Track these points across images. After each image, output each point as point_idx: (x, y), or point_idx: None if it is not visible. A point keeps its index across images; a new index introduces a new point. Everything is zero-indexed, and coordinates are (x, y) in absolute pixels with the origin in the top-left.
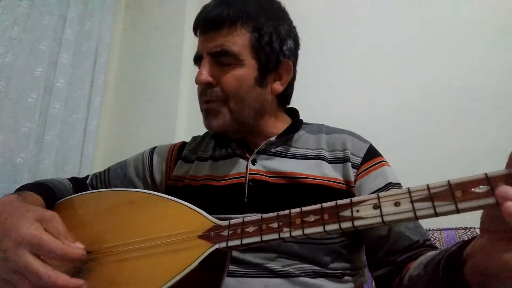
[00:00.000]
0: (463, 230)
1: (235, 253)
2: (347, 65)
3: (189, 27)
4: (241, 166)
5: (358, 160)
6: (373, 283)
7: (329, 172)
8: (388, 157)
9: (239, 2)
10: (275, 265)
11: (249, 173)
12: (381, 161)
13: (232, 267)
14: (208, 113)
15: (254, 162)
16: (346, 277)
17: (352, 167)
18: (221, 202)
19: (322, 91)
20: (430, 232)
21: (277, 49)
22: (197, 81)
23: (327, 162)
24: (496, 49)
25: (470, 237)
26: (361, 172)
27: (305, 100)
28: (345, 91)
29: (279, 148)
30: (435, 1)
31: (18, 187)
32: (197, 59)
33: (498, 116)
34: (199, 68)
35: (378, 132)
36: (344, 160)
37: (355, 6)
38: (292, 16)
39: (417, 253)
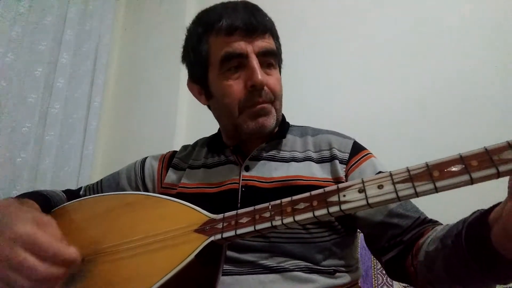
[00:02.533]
0: None
1: (230, 253)
2: (346, 65)
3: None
4: (235, 172)
5: (346, 156)
6: (373, 283)
7: (318, 172)
8: (386, 156)
9: (264, 13)
10: (269, 262)
11: (242, 179)
12: (368, 154)
13: (227, 266)
14: (260, 113)
15: (247, 168)
16: (339, 273)
17: (340, 163)
18: (215, 208)
19: (321, 91)
20: None
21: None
22: (261, 82)
23: (314, 162)
24: (496, 48)
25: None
26: (351, 167)
27: (304, 99)
28: (343, 91)
29: (270, 152)
30: (434, 0)
31: (17, 188)
32: (235, 57)
33: (497, 115)
34: (225, 67)
35: (377, 131)
36: (332, 158)
37: (354, 5)
38: (291, 15)
39: (422, 229)
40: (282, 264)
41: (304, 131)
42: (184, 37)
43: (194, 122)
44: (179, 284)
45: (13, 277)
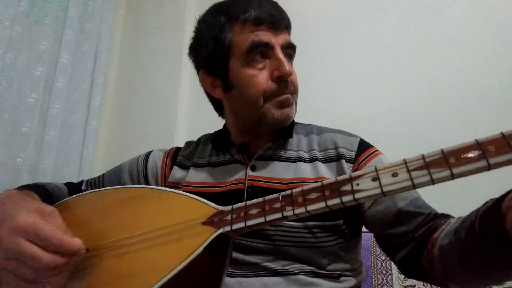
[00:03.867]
0: None
1: (234, 254)
2: (346, 64)
3: (189, 27)
4: (240, 172)
5: (352, 155)
6: (373, 282)
7: (325, 173)
8: (387, 155)
9: (283, 9)
10: (273, 265)
11: (248, 180)
12: (375, 151)
13: (231, 269)
14: (285, 104)
15: (253, 168)
16: (344, 278)
17: (347, 162)
18: None
19: (321, 90)
20: None
21: None
22: (289, 72)
23: (320, 162)
24: (497, 47)
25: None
26: (358, 165)
27: (303, 98)
28: (343, 90)
29: (276, 152)
30: (435, 0)
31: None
32: (262, 46)
33: (497, 115)
34: (251, 56)
35: (377, 130)
36: (338, 157)
37: (355, 5)
38: (292, 14)
39: (434, 224)
40: (286, 267)
41: (309, 129)
42: (196, 28)
43: (194, 122)
44: (187, 276)
45: (17, 266)
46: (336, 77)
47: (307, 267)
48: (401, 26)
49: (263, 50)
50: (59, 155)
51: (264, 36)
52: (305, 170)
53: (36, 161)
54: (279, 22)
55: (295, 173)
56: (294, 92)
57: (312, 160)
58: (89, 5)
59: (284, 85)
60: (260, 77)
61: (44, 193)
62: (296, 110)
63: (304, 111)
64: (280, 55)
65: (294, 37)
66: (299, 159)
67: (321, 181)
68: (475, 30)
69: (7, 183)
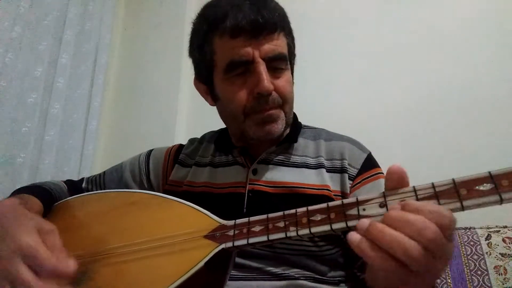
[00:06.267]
0: (463, 230)
1: (236, 259)
2: (347, 65)
3: (189, 27)
4: (241, 175)
5: (354, 172)
6: None
7: (329, 182)
8: (385, 156)
9: (275, 7)
10: (274, 269)
11: (249, 183)
12: (378, 173)
13: (233, 272)
14: (267, 120)
15: (255, 171)
16: (343, 284)
17: (349, 178)
18: (220, 211)
19: (321, 90)
20: None
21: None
22: (267, 90)
23: (325, 170)
24: (497, 48)
25: (470, 237)
26: (356, 184)
27: (305, 99)
28: (344, 90)
29: (279, 156)
30: (435, 3)
31: (16, 189)
32: (241, 65)
33: (497, 115)
34: (231, 73)
35: (376, 131)
36: (342, 170)
37: (356, 5)
38: (292, 14)
39: None
40: (287, 272)
41: (317, 134)
42: (190, 31)
43: (195, 122)
44: None
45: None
46: (334, 78)
47: (307, 273)
48: (400, 27)
49: (243, 67)
50: (59, 155)
51: (244, 52)
52: (309, 176)
53: (36, 161)
54: (261, 28)
55: (298, 178)
56: (283, 103)
57: (318, 166)
58: (89, 5)
59: (265, 101)
60: (240, 93)
61: (44, 195)
62: (288, 119)
63: (302, 112)
64: (261, 69)
65: (295, 38)
66: (303, 165)
67: (325, 190)
68: (475, 31)
69: (7, 183)
